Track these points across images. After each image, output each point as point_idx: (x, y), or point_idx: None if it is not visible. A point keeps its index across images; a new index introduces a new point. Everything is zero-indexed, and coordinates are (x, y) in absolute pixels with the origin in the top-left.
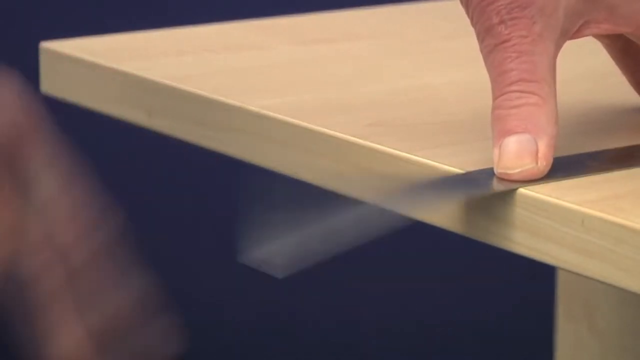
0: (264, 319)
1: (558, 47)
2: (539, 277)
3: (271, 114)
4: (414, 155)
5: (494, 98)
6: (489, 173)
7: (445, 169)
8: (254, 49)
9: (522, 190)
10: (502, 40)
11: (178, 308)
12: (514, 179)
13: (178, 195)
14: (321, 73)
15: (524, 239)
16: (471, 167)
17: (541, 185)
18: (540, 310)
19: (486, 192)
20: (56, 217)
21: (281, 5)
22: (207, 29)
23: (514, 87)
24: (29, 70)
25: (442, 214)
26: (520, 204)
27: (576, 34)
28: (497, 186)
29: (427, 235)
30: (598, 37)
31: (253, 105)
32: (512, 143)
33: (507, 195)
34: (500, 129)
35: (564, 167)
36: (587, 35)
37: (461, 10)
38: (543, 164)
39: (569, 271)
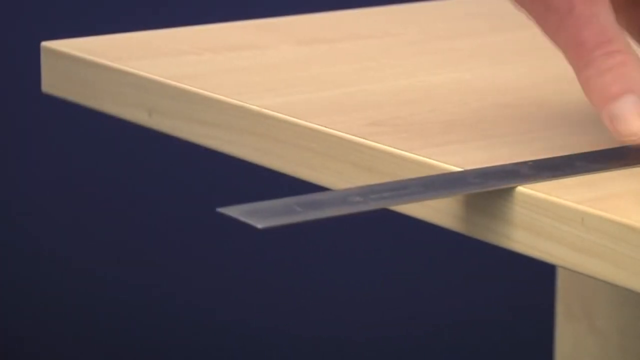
0: (264, 319)
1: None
2: (539, 277)
3: (271, 113)
4: (414, 154)
5: (579, 70)
6: (488, 172)
7: (445, 169)
8: (254, 49)
9: (522, 189)
10: (566, 12)
11: (178, 307)
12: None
13: (178, 194)
14: (321, 73)
15: (524, 238)
16: (471, 167)
17: (541, 184)
18: (540, 309)
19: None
20: None
21: (281, 5)
22: (207, 29)
23: (597, 53)
24: (29, 70)
25: (442, 213)
26: (520, 202)
27: None
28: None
29: (427, 235)
30: (618, 15)
31: (253, 105)
32: (621, 109)
33: (507, 194)
34: (600, 98)
35: (556, 167)
36: None
37: (461, 10)
38: None
39: (568, 270)
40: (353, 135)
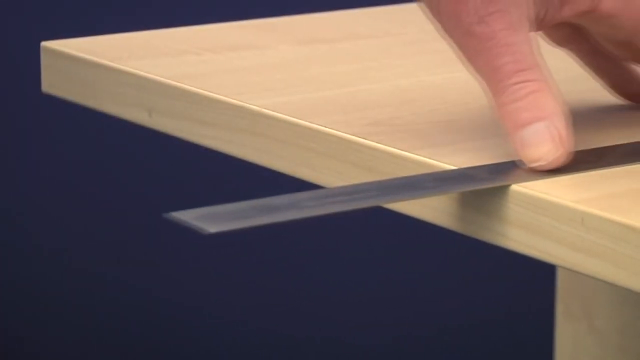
0: (264, 319)
1: (532, 35)
2: (539, 277)
3: (271, 113)
4: (414, 154)
5: (496, 96)
6: (488, 169)
7: (444, 168)
8: (254, 49)
9: (523, 189)
10: (486, 39)
11: (177, 306)
12: (546, 168)
13: (178, 194)
14: (321, 73)
15: (524, 238)
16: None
17: (541, 184)
18: (540, 309)
19: (487, 185)
20: None
21: (281, 5)
22: (207, 29)
23: (513, 80)
24: (29, 70)
25: (441, 212)
26: (520, 202)
27: (546, 21)
28: (520, 178)
29: (427, 235)
30: (565, 44)
31: (253, 105)
32: (532, 134)
33: (507, 194)
34: (513, 124)
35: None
36: (556, 21)
37: None
38: (566, 145)
39: (568, 270)
40: (353, 135)
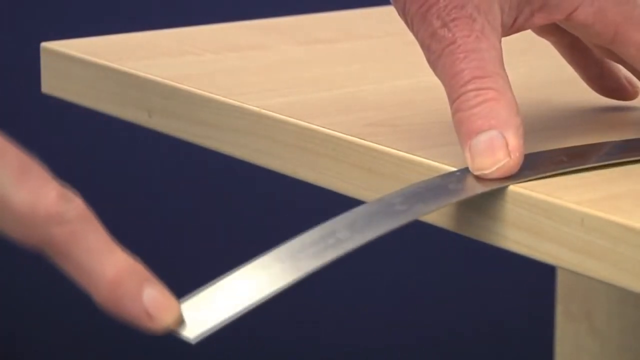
0: (263, 319)
1: (500, 41)
2: (539, 277)
3: (271, 113)
4: (414, 155)
5: (452, 101)
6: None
7: (444, 169)
8: (254, 49)
9: (523, 191)
10: (447, 43)
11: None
12: (492, 177)
13: (178, 194)
14: (321, 73)
15: (524, 239)
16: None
17: (541, 185)
18: (540, 309)
19: (471, 193)
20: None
21: (281, 5)
22: (207, 29)
23: (469, 87)
24: (29, 70)
25: (441, 214)
26: (520, 203)
27: (516, 27)
28: (476, 187)
29: (426, 235)
30: (545, 35)
31: (253, 105)
32: (481, 142)
33: (507, 195)
34: (465, 131)
35: (537, 165)
36: (527, 28)
37: None
38: (516, 155)
39: (568, 271)
40: (353, 135)
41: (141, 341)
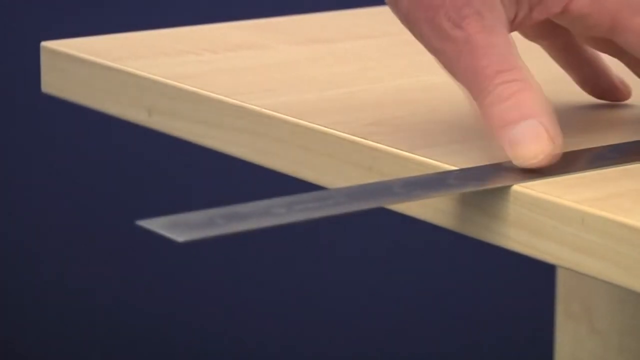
0: (264, 319)
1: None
2: (539, 277)
3: (271, 113)
4: (414, 154)
5: (479, 99)
6: (489, 169)
7: (445, 168)
8: (254, 49)
9: (523, 189)
10: (463, 42)
11: (176, 307)
12: (539, 165)
13: (178, 194)
14: (321, 73)
15: (524, 238)
16: (470, 166)
17: (541, 184)
18: (540, 309)
19: (491, 185)
20: None
21: (281, 5)
22: (207, 29)
23: (496, 81)
24: (29, 70)
25: (442, 212)
26: (521, 202)
27: (516, 24)
28: (512, 179)
29: (427, 235)
30: (538, 39)
31: (253, 105)
32: (522, 132)
33: (507, 194)
34: (500, 125)
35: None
36: (527, 24)
37: None
38: (558, 141)
39: (569, 270)
40: (353, 135)
41: (141, 341)
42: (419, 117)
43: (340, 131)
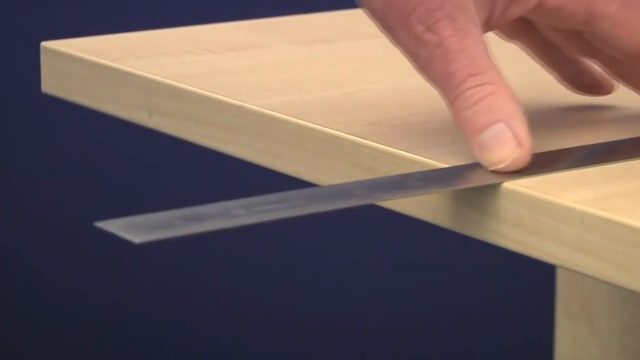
0: (263, 319)
1: (483, 36)
2: (539, 277)
3: (271, 113)
4: (414, 154)
5: (450, 103)
6: (454, 171)
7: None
8: (253, 49)
9: (523, 189)
10: (435, 46)
11: (177, 306)
12: (507, 170)
13: (178, 194)
14: (321, 73)
15: (524, 238)
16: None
17: (542, 183)
18: (540, 309)
19: (476, 184)
20: None
21: (281, 5)
22: (207, 29)
23: (466, 85)
24: (29, 70)
25: (440, 212)
26: (520, 202)
27: (492, 23)
28: (487, 179)
29: (426, 234)
30: (515, 38)
31: (253, 105)
32: (490, 137)
33: (507, 194)
34: (470, 129)
35: (546, 162)
36: (503, 23)
37: None
38: (526, 145)
39: (569, 270)
40: (353, 135)
41: (141, 341)
42: (419, 117)
43: (340, 131)
